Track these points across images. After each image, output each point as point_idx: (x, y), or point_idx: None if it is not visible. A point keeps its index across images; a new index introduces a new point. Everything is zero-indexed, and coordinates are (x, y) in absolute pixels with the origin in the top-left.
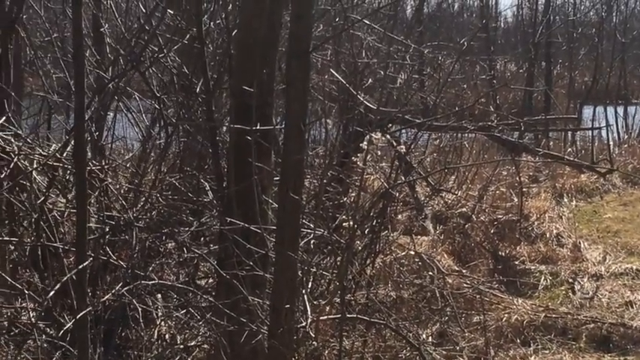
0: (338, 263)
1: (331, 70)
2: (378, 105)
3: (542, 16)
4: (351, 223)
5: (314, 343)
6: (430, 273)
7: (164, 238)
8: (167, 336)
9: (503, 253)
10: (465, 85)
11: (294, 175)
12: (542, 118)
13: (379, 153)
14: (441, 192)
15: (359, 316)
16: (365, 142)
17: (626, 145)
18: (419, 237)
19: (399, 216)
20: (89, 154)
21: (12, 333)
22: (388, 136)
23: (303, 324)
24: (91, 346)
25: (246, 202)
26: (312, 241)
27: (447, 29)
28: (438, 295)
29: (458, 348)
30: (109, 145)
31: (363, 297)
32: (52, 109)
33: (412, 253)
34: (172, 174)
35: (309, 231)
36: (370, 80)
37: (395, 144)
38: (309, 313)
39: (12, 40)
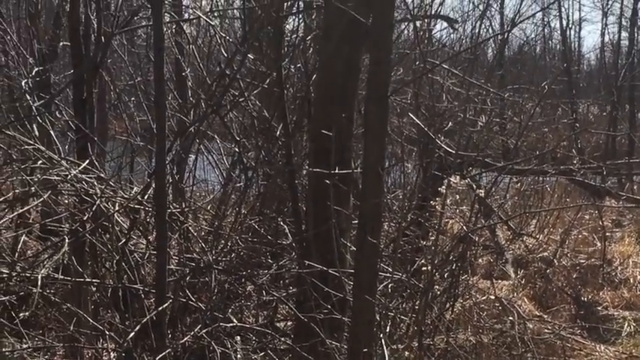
0: (416, 307)
1: (409, 113)
2: (457, 148)
3: (625, 58)
4: (430, 267)
5: None
6: (510, 318)
7: (243, 280)
8: None
9: (585, 299)
10: (547, 129)
11: (372, 219)
12: (626, 161)
13: (458, 197)
14: (521, 236)
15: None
16: (444, 186)
17: None
18: (499, 281)
19: (480, 260)
20: (170, 196)
21: None
22: (468, 180)
23: None
24: None
25: (325, 245)
26: (390, 285)
27: (529, 72)
28: (518, 340)
29: None
30: (190, 188)
31: (442, 341)
32: (134, 152)
33: (492, 297)
34: (252, 217)
35: (387, 275)
36: (450, 124)
37: (475, 187)
38: (386, 357)
39: (96, 84)
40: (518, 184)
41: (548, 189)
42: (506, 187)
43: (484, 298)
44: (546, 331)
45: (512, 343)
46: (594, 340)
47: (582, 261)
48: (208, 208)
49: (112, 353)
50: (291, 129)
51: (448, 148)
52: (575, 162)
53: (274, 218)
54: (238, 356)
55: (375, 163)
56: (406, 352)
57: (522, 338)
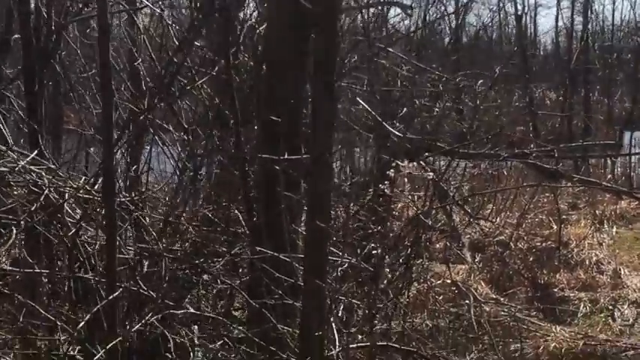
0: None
1: (358, 98)
2: (404, 133)
3: (579, 42)
4: (380, 250)
5: None
6: (467, 301)
7: (200, 269)
8: None
9: (541, 281)
10: (497, 112)
11: (320, 203)
12: (580, 144)
13: (406, 180)
14: (477, 219)
15: (389, 344)
16: (392, 170)
17: None
18: (456, 265)
19: (438, 244)
20: (122, 186)
21: None
22: (416, 164)
23: (332, 352)
24: None
25: (276, 231)
26: (342, 270)
27: (485, 58)
28: (474, 323)
29: None
30: (144, 178)
31: (398, 326)
32: (88, 143)
33: (448, 281)
34: (206, 206)
35: (340, 260)
36: (405, 109)
37: (429, 171)
38: (337, 341)
39: (49, 76)
40: (475, 169)
41: (505, 173)
42: (462, 172)
43: (439, 282)
44: (503, 313)
45: (468, 326)
46: (551, 321)
47: (538, 244)
48: (162, 197)
49: (66, 344)
50: (240, 116)
51: (402, 134)
52: (530, 146)
53: (227, 207)
54: (195, 345)
55: (323, 148)
56: (359, 336)
57: (479, 321)
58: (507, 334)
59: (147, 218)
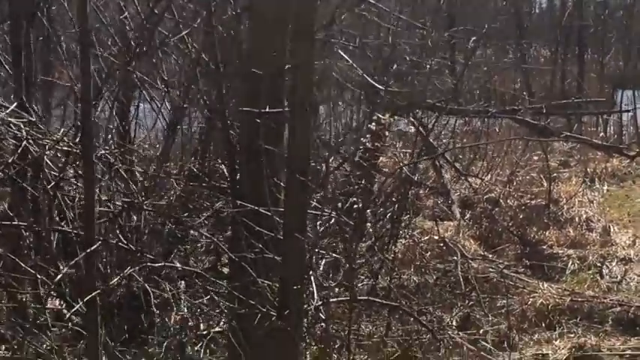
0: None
1: (340, 51)
2: (385, 86)
3: None
4: (361, 205)
5: (324, 325)
6: (455, 257)
7: (189, 225)
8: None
9: (530, 238)
10: (486, 68)
11: (300, 157)
12: (571, 101)
13: (387, 133)
14: (467, 176)
15: (371, 298)
16: (373, 124)
17: None
18: (445, 222)
19: (428, 202)
20: (105, 139)
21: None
22: (395, 118)
23: (312, 306)
24: (103, 330)
25: (258, 185)
26: (323, 224)
27: (480, 14)
28: (461, 279)
29: (481, 332)
30: (129, 133)
31: (385, 282)
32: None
33: (436, 238)
34: (193, 160)
35: (317, 213)
36: (396, 66)
37: (417, 127)
38: (315, 295)
39: (38, 31)
40: (466, 126)
41: (497, 130)
42: (453, 129)
43: (427, 238)
44: (490, 270)
45: (455, 283)
46: (539, 278)
47: (528, 201)
48: (148, 151)
49: (46, 297)
50: (222, 68)
51: (377, 86)
52: (523, 103)
53: (211, 160)
54: (181, 300)
55: (302, 100)
56: (337, 289)
57: (466, 277)
58: (495, 291)
59: (136, 173)
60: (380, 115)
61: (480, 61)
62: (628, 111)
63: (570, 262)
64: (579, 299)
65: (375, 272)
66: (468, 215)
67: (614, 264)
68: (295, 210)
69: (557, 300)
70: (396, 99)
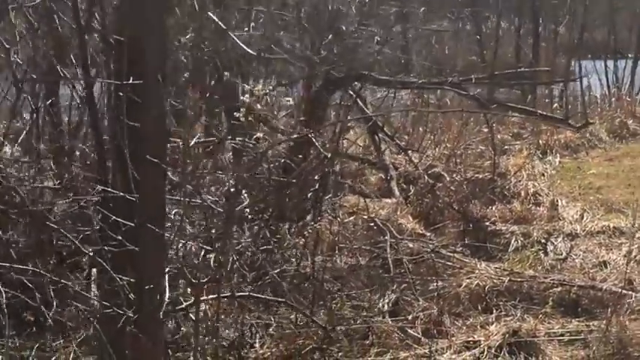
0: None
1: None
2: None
3: None
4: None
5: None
6: (386, 238)
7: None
8: None
9: (474, 215)
10: (432, 40)
11: (154, 136)
12: (513, 72)
13: (259, 106)
14: (406, 150)
15: (251, 294)
16: (246, 95)
17: (614, 99)
18: (385, 200)
19: (372, 178)
20: None
21: None
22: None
23: (183, 305)
24: None
25: (121, 168)
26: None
27: None
28: (390, 261)
29: (410, 318)
30: None
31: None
32: None
33: (365, 217)
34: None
35: (178, 199)
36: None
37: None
38: (167, 290)
39: None
40: (416, 100)
41: (449, 103)
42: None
43: (352, 218)
44: (426, 250)
45: (386, 264)
46: (480, 257)
47: (474, 175)
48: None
49: None
50: (85, 34)
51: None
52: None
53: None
54: None
55: (154, 68)
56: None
57: (399, 259)
58: (430, 273)
59: None
60: (247, 85)
61: (428, 29)
62: (574, 79)
63: (514, 239)
64: (518, 279)
65: (274, 261)
66: (412, 192)
67: (559, 240)
68: (149, 196)
69: (494, 281)
70: (330, 70)
